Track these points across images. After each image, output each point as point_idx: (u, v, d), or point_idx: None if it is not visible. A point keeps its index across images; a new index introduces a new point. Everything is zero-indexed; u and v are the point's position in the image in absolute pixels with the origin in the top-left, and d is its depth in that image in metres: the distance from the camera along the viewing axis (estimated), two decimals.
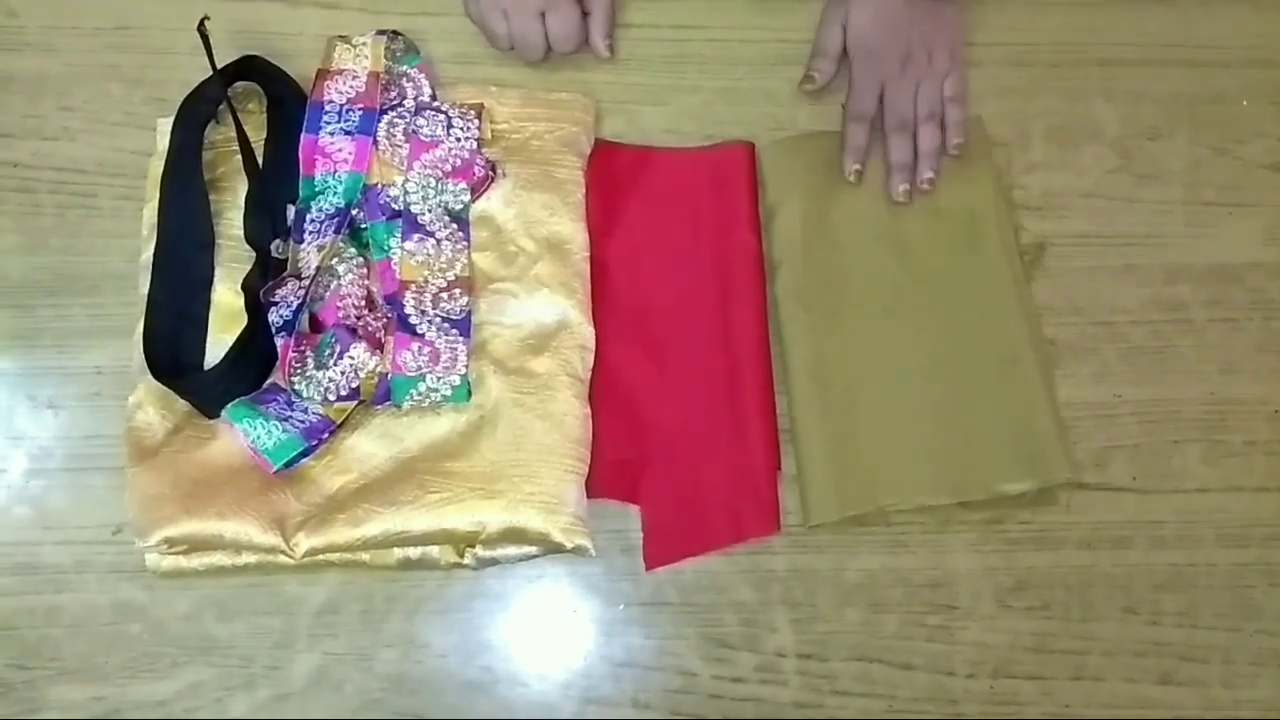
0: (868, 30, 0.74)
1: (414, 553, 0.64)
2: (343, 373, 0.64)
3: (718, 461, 0.68)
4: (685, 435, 0.69)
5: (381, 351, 0.65)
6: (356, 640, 0.65)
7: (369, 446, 0.66)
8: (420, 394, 0.65)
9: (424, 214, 0.69)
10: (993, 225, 0.73)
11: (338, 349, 0.65)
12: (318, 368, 0.64)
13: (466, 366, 0.66)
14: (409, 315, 0.66)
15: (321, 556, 0.63)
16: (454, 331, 0.67)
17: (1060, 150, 0.77)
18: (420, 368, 0.65)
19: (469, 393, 0.66)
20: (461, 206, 0.70)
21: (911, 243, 0.73)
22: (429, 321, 0.67)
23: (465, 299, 0.68)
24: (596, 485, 0.67)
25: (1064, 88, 0.78)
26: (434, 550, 0.65)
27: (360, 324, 0.67)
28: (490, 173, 0.71)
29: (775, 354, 0.71)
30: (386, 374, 0.65)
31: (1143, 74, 0.79)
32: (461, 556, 0.65)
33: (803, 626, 0.67)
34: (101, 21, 0.75)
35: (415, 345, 0.66)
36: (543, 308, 0.69)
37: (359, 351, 0.65)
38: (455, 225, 0.69)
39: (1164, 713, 0.67)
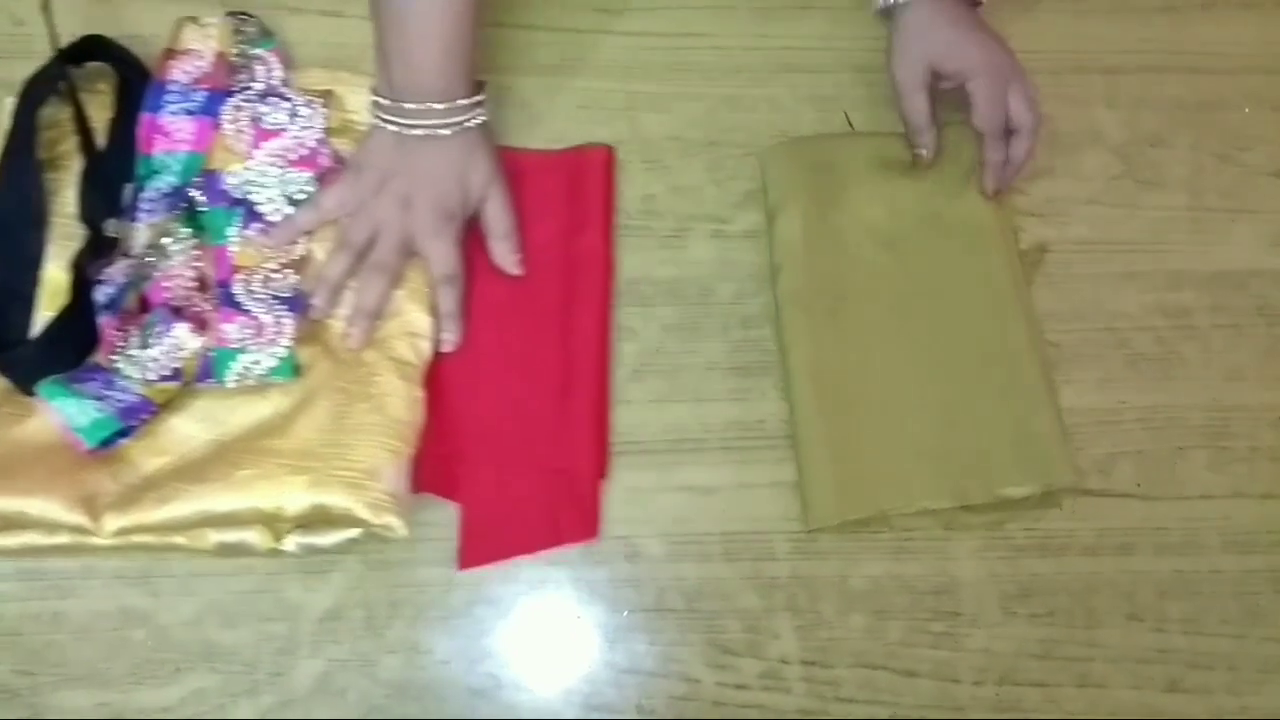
0: (953, 54, 0.72)
1: (230, 537, 0.63)
2: (165, 352, 0.64)
3: (538, 463, 0.67)
4: (506, 435, 0.68)
5: (206, 331, 0.65)
6: (359, 646, 0.65)
7: (189, 429, 0.65)
8: (244, 368, 0.65)
9: (264, 204, 0.69)
10: (994, 230, 0.73)
11: (160, 329, 0.64)
12: (140, 347, 0.64)
13: (292, 340, 0.66)
14: (236, 294, 0.67)
15: (135, 538, 0.62)
16: (281, 306, 0.67)
17: (1063, 157, 0.77)
18: (243, 340, 0.65)
19: (294, 368, 0.66)
20: (305, 197, 0.69)
21: (912, 246, 0.73)
22: (256, 299, 0.67)
23: (296, 278, 0.68)
24: (420, 480, 0.66)
25: (1066, 95, 0.78)
26: (251, 534, 0.63)
27: (188, 304, 0.66)
28: (338, 164, 0.70)
29: (776, 357, 0.71)
30: (210, 351, 0.65)
31: (1144, 81, 0.79)
32: (279, 541, 0.64)
33: (806, 633, 0.67)
34: None
35: (240, 319, 0.66)
36: None
37: (181, 331, 0.64)
38: None
39: (1170, 718, 0.67)
